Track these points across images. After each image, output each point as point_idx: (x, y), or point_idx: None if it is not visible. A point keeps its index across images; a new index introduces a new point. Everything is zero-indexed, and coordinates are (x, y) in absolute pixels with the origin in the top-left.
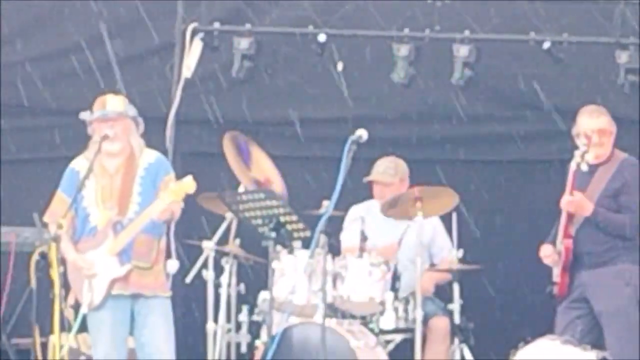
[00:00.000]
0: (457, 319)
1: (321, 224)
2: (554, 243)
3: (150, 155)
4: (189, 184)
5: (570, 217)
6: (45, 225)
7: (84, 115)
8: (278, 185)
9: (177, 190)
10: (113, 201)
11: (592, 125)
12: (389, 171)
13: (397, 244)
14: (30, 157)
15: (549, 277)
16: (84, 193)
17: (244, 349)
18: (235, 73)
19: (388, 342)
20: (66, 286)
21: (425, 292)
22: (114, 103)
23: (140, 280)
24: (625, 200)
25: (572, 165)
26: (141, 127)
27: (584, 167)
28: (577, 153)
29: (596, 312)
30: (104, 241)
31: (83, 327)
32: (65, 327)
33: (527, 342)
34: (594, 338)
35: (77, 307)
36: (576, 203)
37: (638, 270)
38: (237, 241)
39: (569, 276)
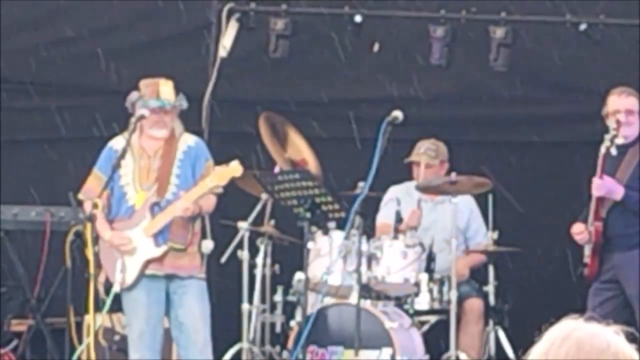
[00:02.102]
0: (492, 300)
1: (356, 205)
2: (585, 222)
3: (190, 139)
4: (235, 168)
5: (601, 199)
6: (80, 202)
7: (135, 100)
8: (313, 166)
9: (223, 174)
10: (151, 182)
11: (620, 105)
12: (430, 153)
13: (417, 209)
14: (67, 136)
15: (581, 258)
16: (122, 172)
17: (278, 329)
18: (271, 53)
19: (423, 323)
20: (100, 264)
21: (461, 277)
22: (168, 92)
23: (175, 261)
24: None
25: (602, 149)
26: (180, 109)
27: (614, 151)
28: (607, 137)
29: (628, 295)
30: (141, 222)
31: (118, 307)
32: (100, 307)
33: (551, 324)
34: (626, 319)
35: (108, 286)
36: (606, 187)
37: None
38: (272, 222)
39: (599, 258)
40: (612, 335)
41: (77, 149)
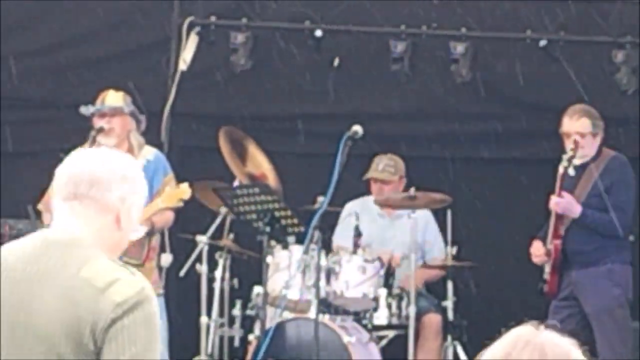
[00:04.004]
0: (450, 316)
1: (315, 220)
2: (544, 240)
3: (149, 153)
4: (184, 191)
5: (560, 217)
6: (39, 213)
7: (83, 110)
8: (273, 180)
9: (172, 195)
10: None
11: (570, 128)
12: (388, 169)
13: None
14: (25, 150)
15: (541, 274)
16: None
17: (237, 343)
18: (231, 68)
19: (381, 338)
20: None
21: (415, 288)
22: (112, 98)
23: None
24: (616, 199)
25: (560, 170)
26: (143, 124)
27: (571, 172)
28: (565, 157)
29: (586, 312)
30: None
31: None
32: None
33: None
34: (586, 336)
35: None
36: (564, 204)
37: (627, 270)
38: (232, 235)
39: (558, 275)
40: (571, 346)
41: (36, 162)
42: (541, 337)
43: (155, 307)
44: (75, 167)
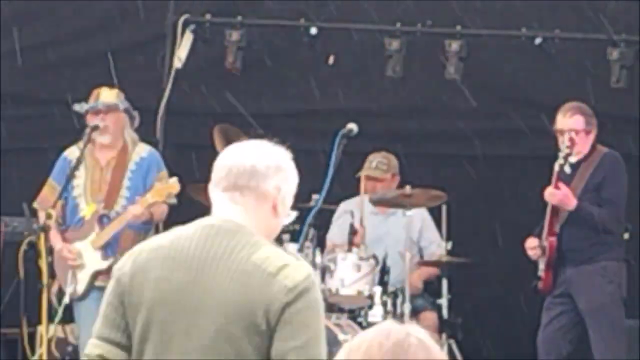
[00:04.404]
0: (445, 313)
1: (310, 217)
2: (539, 236)
3: (143, 150)
4: (173, 185)
5: (555, 214)
6: (34, 211)
7: (77, 107)
8: None
9: (160, 190)
10: (103, 194)
11: (564, 125)
12: (381, 167)
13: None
14: (19, 147)
15: (535, 271)
16: (75, 183)
17: None
18: (226, 65)
19: None
20: (53, 275)
21: (414, 290)
22: (107, 95)
23: None
24: (607, 193)
25: (556, 167)
26: (136, 121)
27: (567, 169)
28: (560, 155)
29: (580, 310)
30: (90, 233)
31: (71, 318)
32: (53, 317)
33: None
34: (579, 333)
35: (60, 295)
36: (560, 196)
37: (621, 267)
38: None
39: (553, 273)
40: (429, 338)
41: (31, 159)
42: (399, 334)
43: (320, 292)
44: (234, 159)
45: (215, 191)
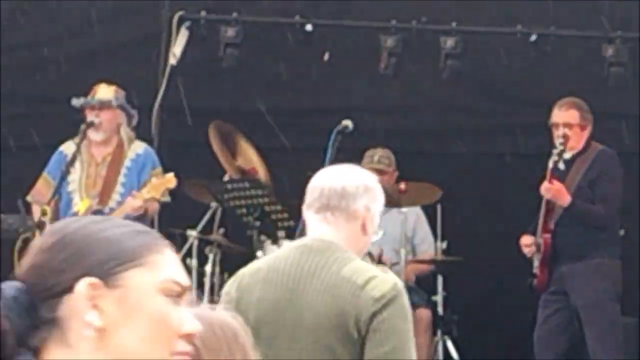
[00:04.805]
0: (440, 310)
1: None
2: (534, 234)
3: (139, 147)
4: (169, 180)
5: (549, 211)
6: (29, 208)
7: (74, 101)
8: (263, 174)
9: (157, 185)
10: (96, 190)
11: (559, 118)
12: (384, 160)
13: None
14: (15, 145)
15: (530, 268)
16: (70, 178)
17: None
18: (221, 62)
19: None
20: None
21: (407, 280)
22: (102, 92)
23: None
24: (601, 190)
25: (550, 164)
26: (135, 119)
27: (562, 166)
28: (555, 151)
29: (575, 306)
30: None
31: None
32: None
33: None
34: (575, 330)
35: None
36: (554, 190)
37: (617, 265)
38: (222, 230)
39: (548, 270)
40: (237, 323)
41: (26, 157)
42: (213, 317)
43: (407, 300)
44: (325, 182)
45: (309, 212)
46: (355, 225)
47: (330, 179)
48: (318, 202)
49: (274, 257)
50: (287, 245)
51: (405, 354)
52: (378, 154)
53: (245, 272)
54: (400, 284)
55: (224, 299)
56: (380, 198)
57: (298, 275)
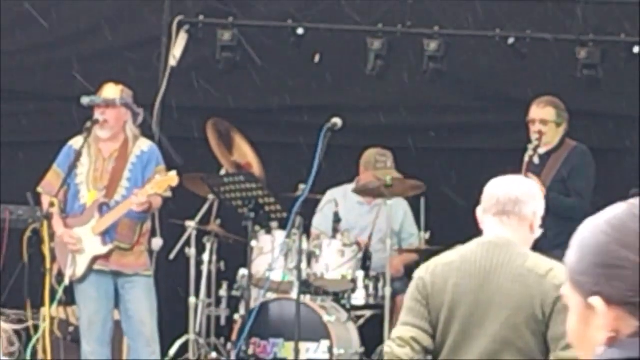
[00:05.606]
0: None
1: (297, 206)
2: None
3: (144, 145)
4: (172, 178)
5: None
6: (38, 199)
7: (83, 100)
8: (257, 169)
9: (160, 182)
10: (103, 183)
11: (535, 115)
12: (393, 165)
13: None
14: (25, 140)
15: None
16: (78, 171)
17: (223, 322)
18: (218, 63)
19: (359, 317)
20: (54, 258)
21: (396, 272)
22: (108, 91)
23: (120, 259)
24: (575, 184)
25: (526, 158)
26: (140, 117)
27: (536, 160)
28: (530, 147)
29: None
30: (90, 220)
31: (72, 300)
32: (55, 299)
33: None
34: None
35: (60, 278)
36: None
37: None
38: (218, 221)
39: None
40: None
41: (34, 152)
42: None
43: None
44: (501, 191)
45: (487, 215)
46: (525, 227)
47: (504, 188)
48: (495, 208)
49: (463, 251)
50: (472, 242)
51: None
52: (389, 160)
53: (438, 262)
54: None
55: (417, 282)
56: (542, 203)
57: (487, 266)
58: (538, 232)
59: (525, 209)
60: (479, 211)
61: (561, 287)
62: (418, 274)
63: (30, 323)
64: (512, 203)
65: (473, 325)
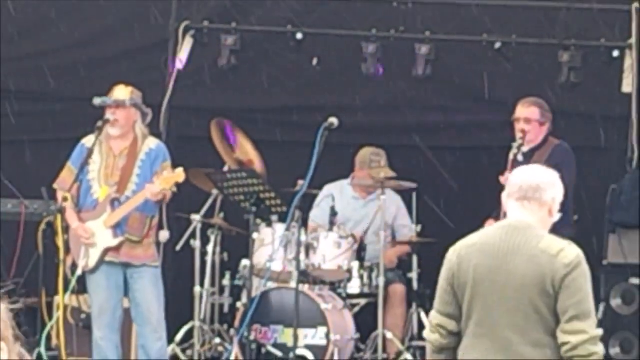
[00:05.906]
0: (415, 285)
1: (296, 201)
2: (497, 218)
3: (153, 143)
4: (179, 175)
5: None
6: (53, 193)
7: (95, 101)
8: (259, 166)
9: (168, 179)
10: (114, 179)
11: (520, 114)
12: (387, 163)
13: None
14: (39, 138)
15: None
16: (91, 168)
17: (226, 310)
18: (222, 66)
19: (354, 305)
20: (68, 250)
21: (390, 263)
22: (119, 92)
23: (130, 251)
24: None
25: (510, 156)
26: (149, 117)
27: (520, 158)
28: (514, 145)
29: None
30: (102, 214)
31: (84, 289)
32: (68, 289)
33: None
34: None
35: (73, 268)
36: None
37: None
38: (222, 215)
39: None
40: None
41: (48, 150)
42: None
43: (587, 265)
44: (523, 179)
45: (510, 200)
46: (544, 211)
47: (527, 176)
48: (518, 194)
49: (484, 233)
50: (494, 225)
51: (588, 305)
52: (382, 158)
53: (462, 245)
54: (582, 254)
55: (446, 264)
56: (561, 190)
57: (505, 247)
58: (557, 216)
59: (545, 195)
60: (504, 196)
61: (570, 265)
62: (448, 256)
63: (44, 310)
64: (533, 190)
65: (494, 302)
